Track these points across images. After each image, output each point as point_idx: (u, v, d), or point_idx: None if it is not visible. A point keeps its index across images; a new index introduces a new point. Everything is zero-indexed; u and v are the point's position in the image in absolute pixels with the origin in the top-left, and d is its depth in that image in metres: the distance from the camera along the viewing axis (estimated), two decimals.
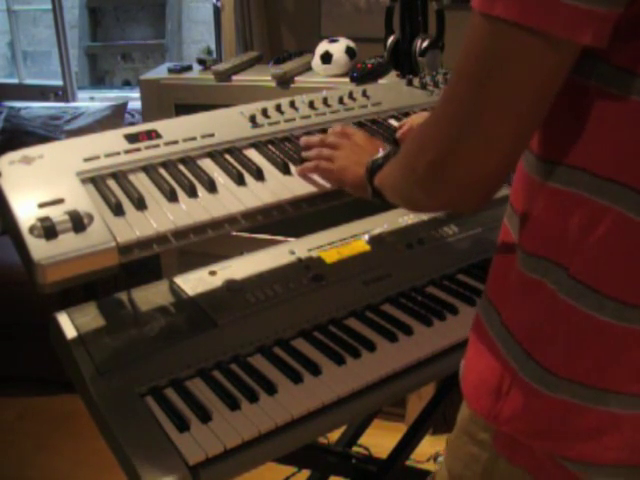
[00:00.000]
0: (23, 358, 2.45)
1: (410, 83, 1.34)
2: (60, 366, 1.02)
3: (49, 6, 3.02)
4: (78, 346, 0.99)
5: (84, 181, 0.91)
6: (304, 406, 0.91)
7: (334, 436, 1.58)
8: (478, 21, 0.57)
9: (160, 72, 2.10)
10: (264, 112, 1.12)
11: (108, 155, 0.96)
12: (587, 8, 0.52)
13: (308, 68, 2.03)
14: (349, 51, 1.96)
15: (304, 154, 1.03)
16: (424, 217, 1.35)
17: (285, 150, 1.05)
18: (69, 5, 3.69)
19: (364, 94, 1.24)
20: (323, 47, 1.97)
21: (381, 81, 1.86)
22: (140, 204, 0.88)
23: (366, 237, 1.29)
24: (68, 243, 0.79)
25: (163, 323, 1.05)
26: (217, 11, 2.20)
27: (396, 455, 1.35)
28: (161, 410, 0.90)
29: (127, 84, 4.10)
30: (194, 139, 1.03)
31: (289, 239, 1.34)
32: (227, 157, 1.02)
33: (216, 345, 1.02)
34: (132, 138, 1.00)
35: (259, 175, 0.98)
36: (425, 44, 1.69)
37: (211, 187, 0.94)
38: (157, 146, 1.00)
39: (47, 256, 0.76)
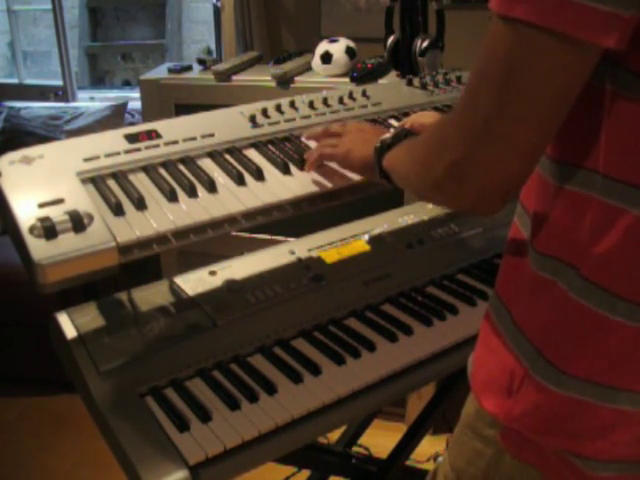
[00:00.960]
0: (23, 358, 2.45)
1: (410, 83, 1.34)
2: (60, 366, 1.02)
3: (49, 6, 3.02)
4: (78, 346, 0.99)
5: (84, 181, 0.91)
6: (304, 406, 0.91)
7: (334, 436, 1.58)
8: (498, 23, 0.57)
9: (160, 72, 2.10)
10: (264, 112, 1.12)
11: (108, 155, 0.96)
12: (612, 11, 0.52)
13: (308, 68, 2.03)
14: (349, 51, 1.96)
15: (307, 154, 1.02)
16: (424, 217, 1.36)
17: (285, 150, 1.05)
18: (69, 5, 3.69)
19: (364, 94, 1.24)
20: (323, 47, 1.97)
21: (381, 81, 1.85)
22: (140, 204, 0.88)
23: (366, 237, 1.29)
24: (68, 243, 0.79)
25: (163, 323, 1.05)
26: (217, 11, 2.21)
27: (396, 455, 1.35)
28: (161, 410, 0.90)
29: (127, 84, 4.10)
30: (194, 139, 1.03)
31: (289, 239, 1.34)
32: (227, 157, 1.02)
33: (216, 345, 1.02)
34: (132, 138, 1.00)
35: (259, 175, 0.98)
36: (425, 44, 1.69)
37: (211, 187, 0.94)
38: (157, 146, 1.00)
39: (47, 256, 0.76)
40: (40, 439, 2.24)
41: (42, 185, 0.87)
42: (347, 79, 1.91)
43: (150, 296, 1.11)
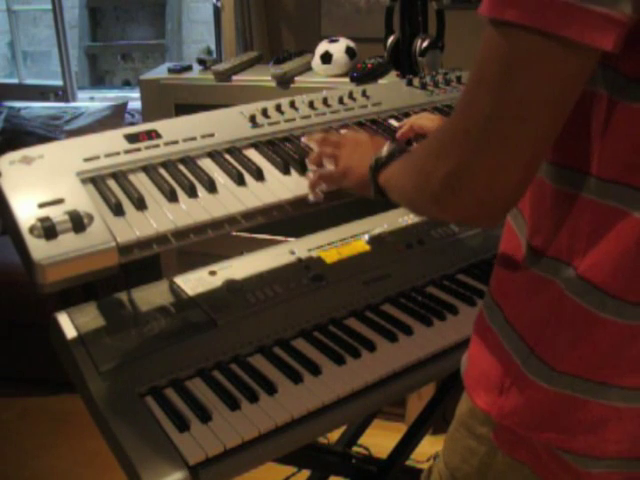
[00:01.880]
0: (23, 358, 2.45)
1: (410, 83, 1.34)
2: (60, 366, 1.02)
3: (49, 6, 3.02)
4: (78, 346, 0.99)
5: (84, 181, 0.91)
6: (304, 406, 0.91)
7: (334, 436, 1.58)
8: (490, 28, 0.56)
9: (160, 72, 2.10)
10: (264, 112, 1.12)
11: (108, 155, 0.96)
12: (605, 12, 0.51)
13: (308, 68, 2.03)
14: (349, 51, 1.96)
15: (309, 158, 1.02)
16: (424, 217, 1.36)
17: (285, 150, 1.05)
18: (69, 5, 3.69)
19: (364, 94, 1.24)
20: (323, 47, 1.97)
21: (381, 81, 1.85)
22: (140, 204, 0.88)
23: (366, 237, 1.29)
24: (68, 243, 0.79)
25: (163, 323, 1.05)
26: (217, 11, 2.20)
27: (396, 455, 1.35)
28: (161, 410, 0.90)
29: (127, 84, 4.10)
30: (194, 139, 1.03)
31: (289, 239, 1.34)
32: (227, 157, 1.02)
33: (216, 345, 1.02)
34: (132, 138, 1.00)
35: (259, 175, 0.99)
36: (425, 44, 1.69)
37: (211, 187, 0.94)
38: (157, 146, 1.00)
39: (47, 256, 0.76)
40: (40, 439, 2.24)
41: (42, 185, 0.87)
42: (347, 79, 1.91)
43: (150, 296, 1.11)
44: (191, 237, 0.89)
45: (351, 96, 1.23)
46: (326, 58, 1.95)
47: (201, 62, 2.09)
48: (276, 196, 0.96)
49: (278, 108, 1.14)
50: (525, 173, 0.60)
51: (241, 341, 1.03)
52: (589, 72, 0.56)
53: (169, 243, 0.87)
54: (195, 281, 1.15)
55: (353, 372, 0.98)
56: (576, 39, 0.52)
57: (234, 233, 0.96)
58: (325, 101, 1.19)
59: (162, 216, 0.88)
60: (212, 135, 1.05)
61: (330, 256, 1.23)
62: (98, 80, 4.16)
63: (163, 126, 1.04)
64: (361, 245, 1.27)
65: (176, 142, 1.01)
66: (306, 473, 1.59)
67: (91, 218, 0.83)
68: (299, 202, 0.98)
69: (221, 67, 1.97)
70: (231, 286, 1.13)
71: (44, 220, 0.80)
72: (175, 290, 1.13)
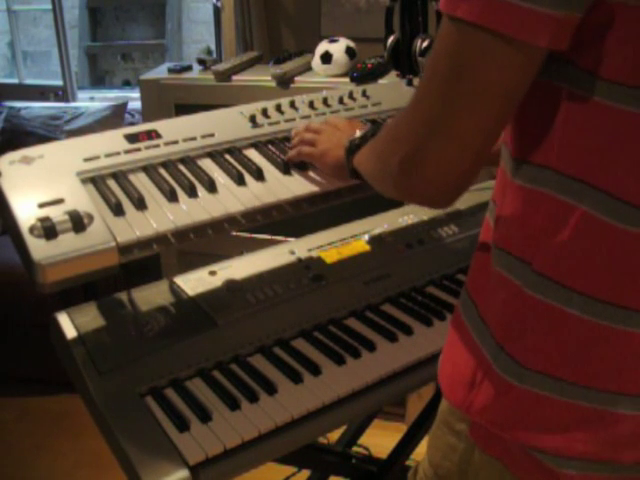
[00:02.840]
0: (23, 358, 2.45)
1: (410, 83, 1.34)
2: (60, 366, 1.02)
3: (49, 6, 3.02)
4: (78, 346, 0.99)
5: (84, 181, 0.91)
6: (304, 406, 0.91)
7: (334, 436, 1.58)
8: (446, 23, 0.59)
9: (160, 72, 2.10)
10: (264, 112, 1.13)
11: (108, 155, 0.96)
12: (543, 11, 0.53)
13: (308, 68, 2.03)
14: (349, 51, 1.96)
15: (292, 142, 1.06)
16: (424, 217, 1.36)
17: (285, 150, 1.06)
18: (69, 5, 3.69)
19: (364, 94, 1.24)
20: (323, 47, 1.97)
21: (381, 81, 1.86)
22: (140, 204, 0.88)
23: (366, 237, 1.29)
24: (68, 243, 0.79)
25: (163, 323, 1.05)
26: (217, 11, 2.20)
27: (396, 455, 1.35)
28: (161, 410, 0.90)
29: (127, 84, 4.10)
30: (194, 139, 1.03)
31: (289, 239, 1.34)
32: (227, 157, 1.02)
33: (216, 345, 1.02)
34: (132, 138, 1.00)
35: (259, 175, 0.99)
36: (425, 44, 1.69)
37: (211, 187, 0.94)
38: (157, 146, 1.00)
39: (47, 256, 0.77)
40: (40, 439, 2.24)
41: (42, 185, 0.87)
42: (347, 79, 1.91)
43: (150, 296, 1.11)
44: (191, 237, 0.89)
45: (351, 96, 1.23)
46: (326, 58, 1.95)
47: (201, 62, 2.09)
48: (276, 196, 0.96)
49: (278, 108, 1.14)
50: (473, 161, 0.63)
51: (241, 341, 1.03)
52: (535, 68, 0.58)
53: (169, 243, 0.87)
54: (195, 281, 1.15)
55: (353, 372, 0.98)
56: (515, 36, 0.55)
57: (234, 233, 0.97)
58: (325, 101, 1.19)
59: (162, 216, 0.88)
60: (212, 135, 1.05)
61: (330, 256, 1.23)
62: (98, 80, 4.16)
63: (163, 126, 1.04)
64: (361, 245, 1.27)
65: (176, 142, 1.02)
66: (306, 473, 1.59)
67: (91, 218, 0.83)
68: (299, 202, 0.98)
69: (221, 67, 1.97)
70: (231, 286, 1.13)
71: (44, 220, 0.80)
72: (175, 290, 1.13)
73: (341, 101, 1.20)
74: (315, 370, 0.98)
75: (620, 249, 0.62)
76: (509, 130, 0.69)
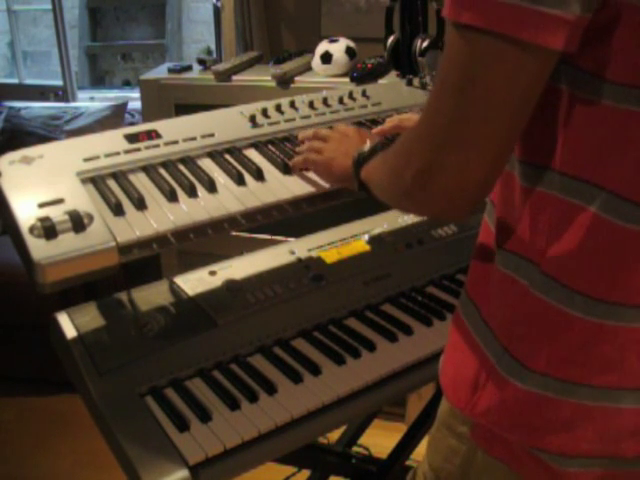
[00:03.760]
0: (23, 358, 2.45)
1: (410, 83, 1.34)
2: (60, 366, 1.02)
3: (49, 6, 3.02)
4: (78, 346, 0.99)
5: (84, 181, 0.91)
6: (304, 406, 0.91)
7: (334, 436, 1.58)
8: (452, 31, 0.57)
9: (160, 72, 2.09)
10: (264, 112, 1.12)
11: (108, 155, 0.96)
12: (556, 14, 0.52)
13: (308, 68, 2.03)
14: (349, 51, 1.96)
15: (298, 148, 1.04)
16: (424, 217, 1.35)
17: (285, 150, 1.05)
18: (69, 5, 3.69)
19: (364, 94, 1.24)
20: (323, 47, 1.97)
21: (381, 81, 1.85)
22: (140, 204, 0.88)
23: (366, 237, 1.29)
24: (68, 243, 0.79)
25: (163, 323, 1.05)
26: (217, 11, 2.20)
27: (396, 455, 1.35)
28: (161, 410, 0.90)
29: (127, 84, 4.10)
30: (194, 139, 1.03)
31: (289, 239, 1.34)
32: (227, 157, 1.02)
33: (216, 345, 1.02)
34: (132, 138, 1.00)
35: (259, 175, 0.98)
36: (425, 44, 1.69)
37: (211, 187, 0.94)
38: (157, 146, 1.00)
39: (47, 256, 0.76)
40: (39, 439, 2.24)
41: (42, 185, 0.87)
42: (347, 79, 1.91)
43: (150, 296, 1.10)
44: (191, 237, 0.89)
45: (351, 96, 1.23)
46: (326, 58, 1.95)
47: (201, 62, 2.09)
48: (276, 196, 0.96)
49: (278, 108, 1.14)
50: (490, 170, 0.62)
51: (241, 341, 1.03)
52: (548, 71, 0.57)
53: (169, 243, 0.87)
54: (195, 281, 1.15)
55: (353, 372, 0.98)
56: (529, 40, 0.53)
57: (234, 233, 0.96)
58: (325, 101, 1.19)
59: (162, 216, 0.87)
60: (212, 135, 1.05)
61: (330, 256, 1.23)
62: (98, 80, 4.16)
63: (163, 126, 1.04)
64: (361, 245, 1.27)
65: (176, 142, 1.01)
66: (306, 473, 1.59)
67: (91, 218, 0.82)
68: (299, 202, 0.98)
69: (221, 67, 1.97)
70: (231, 286, 1.13)
71: (44, 220, 0.80)
72: (175, 290, 1.13)
73: (341, 101, 1.20)
74: (315, 370, 0.98)
75: (626, 248, 0.62)
76: None
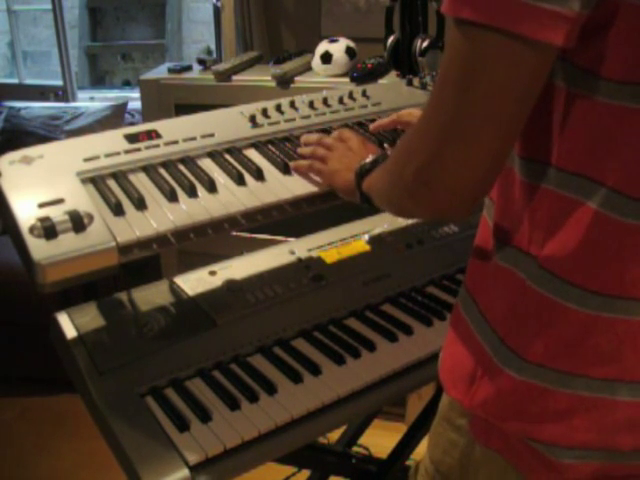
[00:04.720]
0: (23, 358, 2.45)
1: (410, 83, 1.34)
2: (60, 366, 1.02)
3: (49, 6, 3.02)
4: (78, 346, 0.99)
5: (84, 181, 0.91)
6: (304, 406, 0.91)
7: (334, 436, 1.58)
8: (452, 27, 0.57)
9: (160, 72, 2.09)
10: (264, 112, 1.12)
11: (108, 155, 0.95)
12: (554, 9, 0.53)
13: (308, 68, 2.03)
14: (349, 51, 1.96)
15: (300, 150, 1.04)
16: (425, 220, 1.35)
17: (285, 150, 1.05)
18: (69, 5, 3.69)
19: (364, 94, 1.24)
20: (323, 47, 1.97)
21: (381, 81, 1.85)
22: (140, 204, 0.88)
23: (366, 237, 1.29)
24: (68, 243, 0.79)
25: (163, 323, 1.05)
26: (217, 11, 2.20)
27: (396, 455, 1.35)
28: (161, 410, 0.90)
29: (127, 84, 4.10)
30: (194, 139, 1.03)
31: (289, 239, 1.34)
32: (227, 157, 1.02)
33: (216, 345, 1.02)
34: (132, 138, 1.00)
35: (259, 175, 0.98)
36: (425, 44, 1.69)
37: (211, 187, 0.94)
38: (157, 146, 1.00)
39: (47, 256, 0.76)
40: (40, 439, 2.24)
41: (42, 185, 0.87)
42: (347, 79, 1.91)
43: (150, 296, 1.10)
44: (191, 237, 0.89)
45: (351, 96, 1.23)
46: (326, 58, 1.95)
47: (201, 62, 2.09)
48: (276, 196, 0.96)
49: (278, 108, 1.14)
50: (492, 166, 0.62)
51: (241, 341, 1.03)
52: (548, 67, 0.58)
53: (169, 243, 0.87)
54: (195, 281, 1.15)
55: (353, 372, 0.98)
56: (530, 36, 0.54)
57: (234, 233, 0.96)
58: (325, 101, 1.19)
59: (162, 216, 0.87)
60: (212, 135, 1.05)
61: (330, 256, 1.23)
62: (98, 80, 4.17)
63: (163, 126, 1.04)
64: (361, 245, 1.27)
65: (176, 142, 1.01)
66: (306, 473, 1.59)
67: (91, 218, 0.82)
68: (299, 202, 0.98)
69: (221, 67, 1.97)
70: (231, 286, 1.13)
71: (44, 220, 0.80)
72: (175, 290, 1.13)
73: (341, 101, 1.20)
74: (315, 370, 0.98)
75: (624, 243, 0.62)
76: None
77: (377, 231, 1.31)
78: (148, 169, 0.96)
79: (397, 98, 1.27)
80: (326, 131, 1.10)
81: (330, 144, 1.02)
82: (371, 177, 0.87)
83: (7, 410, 2.37)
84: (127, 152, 0.97)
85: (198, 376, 0.97)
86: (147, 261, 0.88)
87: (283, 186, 0.98)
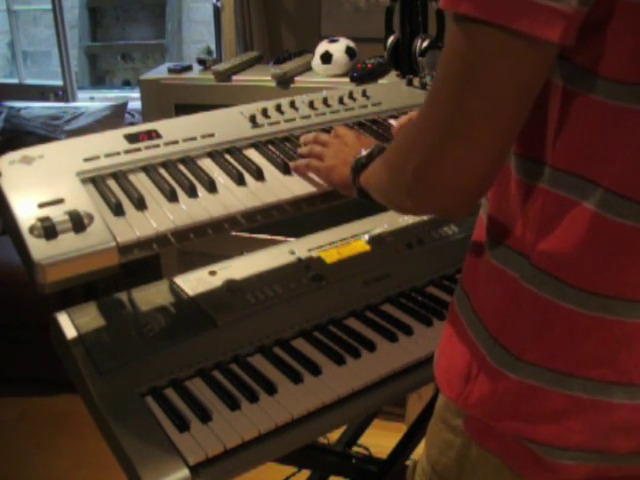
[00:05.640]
0: (23, 358, 2.45)
1: (410, 83, 1.34)
2: (60, 366, 1.02)
3: (49, 6, 3.02)
4: (78, 346, 0.99)
5: (84, 181, 0.91)
6: (304, 406, 0.91)
7: (334, 436, 1.58)
8: (450, 22, 0.57)
9: (160, 72, 2.10)
10: (264, 112, 1.12)
11: (108, 155, 0.95)
12: (554, 6, 0.52)
13: (308, 68, 2.03)
14: (349, 51, 1.96)
15: (299, 150, 1.04)
16: (424, 217, 1.36)
17: (285, 150, 1.05)
18: (69, 5, 3.69)
19: (364, 94, 1.24)
20: (323, 47, 1.97)
21: (381, 81, 1.85)
22: (140, 204, 0.88)
23: (366, 237, 1.29)
24: (68, 243, 0.79)
25: (163, 323, 1.05)
26: (217, 11, 2.20)
27: (396, 455, 1.35)
28: (161, 410, 0.90)
29: (127, 84, 4.10)
30: (194, 139, 1.03)
31: (289, 239, 1.34)
32: (227, 157, 1.02)
33: (216, 345, 1.02)
34: (132, 138, 1.00)
35: (259, 175, 0.98)
36: (425, 44, 1.69)
37: (211, 187, 0.94)
38: (157, 146, 1.00)
39: (47, 256, 0.76)
40: (40, 439, 2.24)
41: (42, 185, 0.87)
42: (347, 79, 1.91)
43: (150, 296, 1.11)
44: (191, 237, 0.89)
45: (351, 96, 1.23)
46: (326, 58, 1.95)
47: (201, 62, 2.09)
48: (276, 196, 0.96)
49: (278, 108, 1.14)
50: (491, 164, 0.61)
51: (241, 341, 1.03)
52: (547, 64, 0.57)
53: (169, 243, 0.87)
54: (195, 281, 1.15)
55: (353, 372, 0.98)
56: (526, 32, 0.53)
57: (234, 233, 0.96)
58: (325, 101, 1.19)
59: (162, 216, 0.87)
60: (212, 135, 1.05)
61: (330, 256, 1.23)
62: (98, 80, 4.17)
63: (163, 126, 1.04)
64: (361, 245, 1.27)
65: (176, 142, 1.01)
66: (306, 473, 1.59)
67: (91, 218, 0.82)
68: (299, 202, 0.98)
69: (221, 67, 1.97)
70: (231, 286, 1.13)
71: (44, 220, 0.80)
72: (175, 290, 1.13)
73: (341, 101, 1.20)
74: (315, 370, 0.98)
75: (620, 244, 0.62)
76: None
77: (377, 231, 1.31)
78: (148, 169, 0.96)
79: (397, 98, 1.27)
80: (326, 131, 1.10)
81: (325, 141, 1.02)
82: (368, 172, 0.87)
83: (7, 410, 2.37)
84: (127, 152, 0.97)
85: (198, 376, 0.97)
86: (147, 261, 0.88)
87: (283, 186, 0.98)
